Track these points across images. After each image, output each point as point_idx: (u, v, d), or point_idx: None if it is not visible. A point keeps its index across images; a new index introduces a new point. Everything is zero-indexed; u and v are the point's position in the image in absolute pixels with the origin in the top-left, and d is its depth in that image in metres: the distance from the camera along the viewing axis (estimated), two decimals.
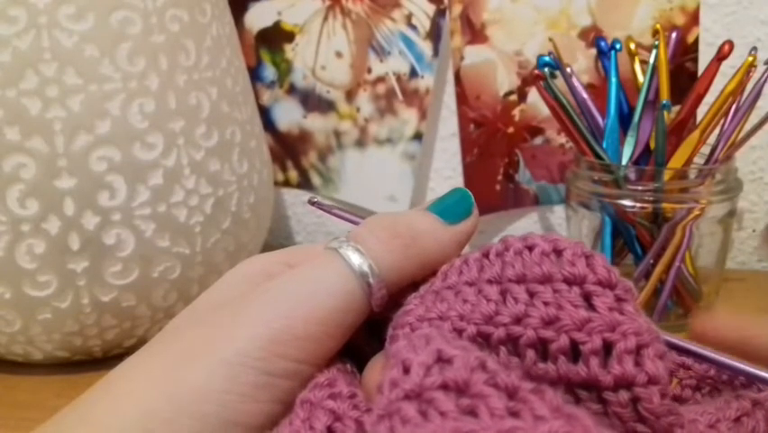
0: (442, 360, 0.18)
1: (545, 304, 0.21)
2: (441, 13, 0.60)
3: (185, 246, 0.45)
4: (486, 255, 0.24)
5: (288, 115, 0.67)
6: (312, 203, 0.32)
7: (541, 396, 0.17)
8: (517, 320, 0.21)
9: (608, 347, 0.20)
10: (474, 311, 0.22)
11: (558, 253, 0.23)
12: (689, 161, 0.48)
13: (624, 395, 0.20)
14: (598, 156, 0.50)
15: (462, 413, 0.17)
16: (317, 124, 0.66)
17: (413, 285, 0.26)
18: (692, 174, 0.48)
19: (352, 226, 0.28)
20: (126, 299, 0.44)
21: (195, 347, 0.23)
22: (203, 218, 0.46)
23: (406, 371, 0.18)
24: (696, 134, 0.47)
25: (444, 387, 0.17)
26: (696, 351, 0.23)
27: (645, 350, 0.20)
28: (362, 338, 0.26)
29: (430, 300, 0.24)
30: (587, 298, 0.21)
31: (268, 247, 0.30)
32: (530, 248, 0.23)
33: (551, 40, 0.54)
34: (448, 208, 0.27)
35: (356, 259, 0.25)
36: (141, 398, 0.22)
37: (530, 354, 0.21)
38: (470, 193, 0.28)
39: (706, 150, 0.49)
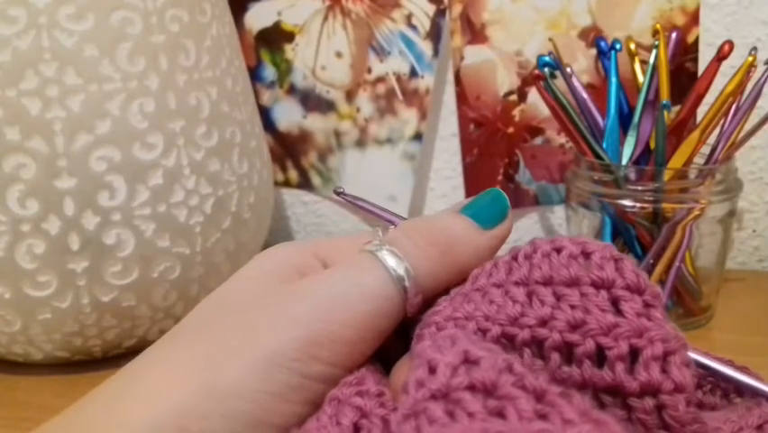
0: (468, 361, 0.18)
1: (572, 307, 0.21)
2: (441, 13, 0.60)
3: (185, 246, 0.45)
4: (515, 258, 0.24)
5: (288, 115, 0.67)
6: (338, 193, 0.31)
7: (569, 400, 0.17)
8: (543, 322, 0.21)
9: (634, 353, 0.20)
10: (499, 312, 0.22)
11: (586, 255, 0.23)
12: (689, 161, 0.48)
13: (649, 402, 0.20)
14: (598, 156, 0.50)
15: (490, 414, 0.16)
16: (317, 124, 0.66)
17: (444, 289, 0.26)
18: (692, 174, 0.48)
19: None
20: (126, 299, 0.44)
21: (230, 344, 0.23)
22: (203, 218, 0.46)
23: (432, 371, 0.18)
24: (696, 134, 0.47)
25: (472, 388, 0.17)
26: (717, 368, 0.23)
27: (672, 357, 0.20)
28: (389, 339, 0.26)
29: (458, 301, 0.24)
30: (614, 302, 0.21)
31: (268, 247, 0.29)
32: (558, 250, 0.23)
33: (551, 40, 0.54)
34: (483, 211, 0.27)
35: (393, 263, 0.24)
36: (175, 393, 0.22)
37: (555, 356, 0.21)
38: (504, 194, 0.27)
39: (706, 150, 0.49)
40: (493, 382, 0.17)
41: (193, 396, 0.22)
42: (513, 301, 0.22)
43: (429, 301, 0.25)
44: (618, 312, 0.21)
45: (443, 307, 0.24)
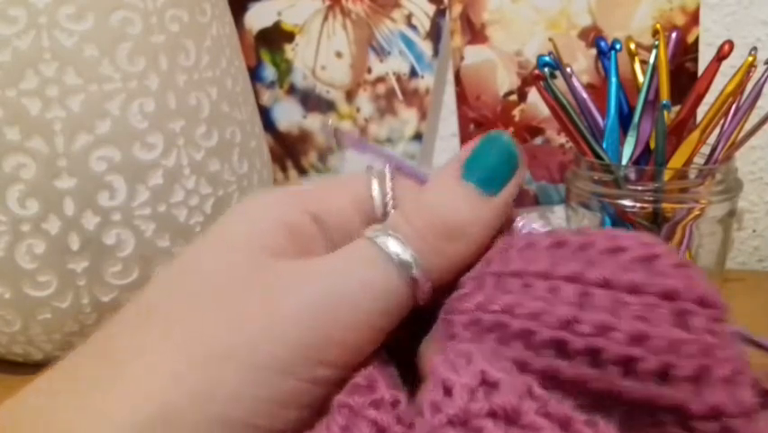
0: (486, 382, 0.17)
1: (635, 318, 0.19)
2: (441, 13, 0.60)
3: (185, 246, 0.45)
4: (560, 245, 0.21)
5: (288, 115, 0.67)
6: (332, 129, 0.28)
7: (595, 429, 0.16)
8: (601, 332, 0.19)
9: (700, 372, 0.18)
10: (549, 313, 0.19)
11: (651, 259, 0.20)
12: (689, 161, 0.48)
13: (714, 425, 0.18)
14: (598, 156, 0.49)
15: None
16: (317, 124, 0.66)
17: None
18: (692, 174, 0.48)
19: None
20: (126, 298, 0.44)
21: (220, 344, 0.21)
22: (203, 218, 0.46)
23: (448, 392, 0.17)
24: (696, 134, 0.47)
25: (493, 415, 0.16)
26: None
27: (740, 378, 0.18)
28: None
29: (490, 286, 0.21)
30: (681, 315, 0.19)
31: None
32: (620, 250, 0.20)
33: (551, 40, 0.54)
34: (489, 173, 0.23)
35: (399, 250, 0.22)
36: (161, 396, 0.20)
37: (612, 370, 0.19)
38: (511, 140, 0.24)
39: (706, 150, 0.49)
40: (515, 408, 0.16)
41: (182, 399, 0.20)
42: (565, 302, 0.20)
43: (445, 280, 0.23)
44: (685, 326, 0.19)
45: (471, 290, 0.21)
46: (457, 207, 0.23)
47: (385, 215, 0.25)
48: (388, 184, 0.25)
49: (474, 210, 0.23)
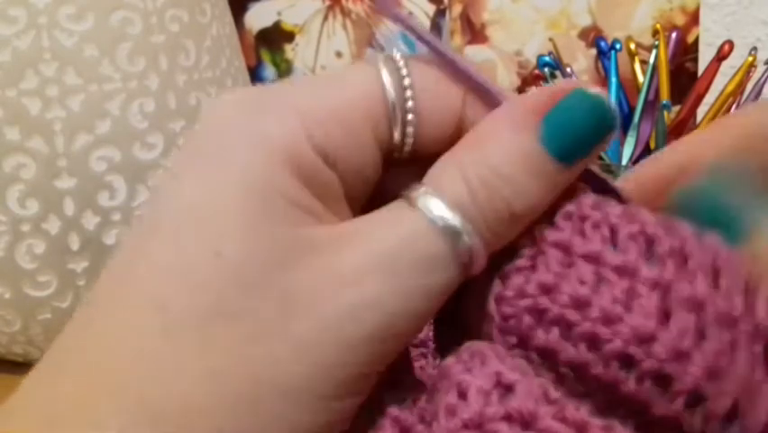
0: (501, 385, 0.16)
1: (717, 352, 0.16)
2: (441, 13, 0.60)
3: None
4: (650, 241, 0.17)
5: None
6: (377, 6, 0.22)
7: None
8: (677, 357, 0.16)
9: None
10: (628, 323, 0.16)
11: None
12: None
13: None
14: (598, 156, 0.49)
15: None
16: None
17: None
18: None
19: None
20: None
21: (234, 382, 0.15)
22: None
23: (463, 396, 0.16)
24: None
25: (508, 418, 0.16)
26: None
27: None
28: None
29: (556, 265, 0.18)
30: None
31: None
32: (724, 269, 0.17)
33: (551, 40, 0.54)
34: (574, 143, 0.18)
35: (447, 215, 0.17)
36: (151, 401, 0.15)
37: (679, 402, 0.16)
38: (605, 100, 0.18)
39: None
40: (531, 412, 0.16)
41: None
42: (646, 314, 0.16)
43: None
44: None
45: (531, 264, 0.18)
46: (528, 187, 0.17)
47: (404, 115, 0.18)
48: (405, 75, 0.18)
49: (547, 188, 0.17)
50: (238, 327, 0.15)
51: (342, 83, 0.18)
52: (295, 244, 0.16)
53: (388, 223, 0.17)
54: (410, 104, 0.18)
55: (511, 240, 0.18)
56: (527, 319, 0.17)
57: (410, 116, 0.18)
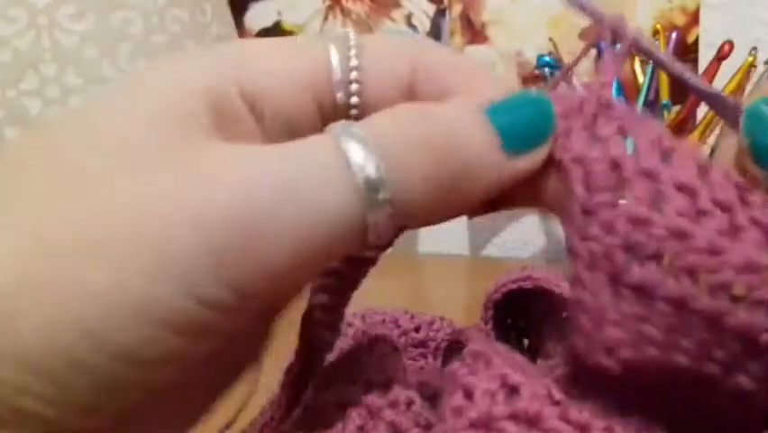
0: (507, 386, 0.17)
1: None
2: (441, 13, 0.60)
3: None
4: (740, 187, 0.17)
5: None
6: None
7: None
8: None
9: None
10: (737, 252, 0.16)
11: None
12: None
13: None
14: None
15: None
16: None
17: None
18: None
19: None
20: None
21: (85, 226, 0.15)
22: None
23: (469, 396, 0.17)
24: (696, 134, 0.47)
25: (515, 418, 0.16)
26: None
27: None
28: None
29: (646, 195, 0.16)
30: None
31: None
32: None
33: (551, 40, 0.54)
34: (519, 125, 0.17)
35: (364, 161, 0.15)
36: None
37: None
38: (549, 103, 0.18)
39: (706, 150, 0.49)
40: (537, 412, 0.16)
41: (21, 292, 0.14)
42: (761, 248, 0.16)
43: None
44: None
45: (615, 196, 0.17)
46: (472, 146, 0.16)
47: (348, 96, 0.18)
48: (353, 50, 0.18)
49: (489, 158, 0.16)
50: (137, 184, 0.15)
51: (290, 47, 0.18)
52: (185, 138, 0.16)
53: (294, 142, 0.16)
54: (354, 63, 0.18)
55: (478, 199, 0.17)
56: (620, 256, 0.16)
57: (353, 75, 0.18)
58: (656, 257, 0.16)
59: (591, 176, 0.17)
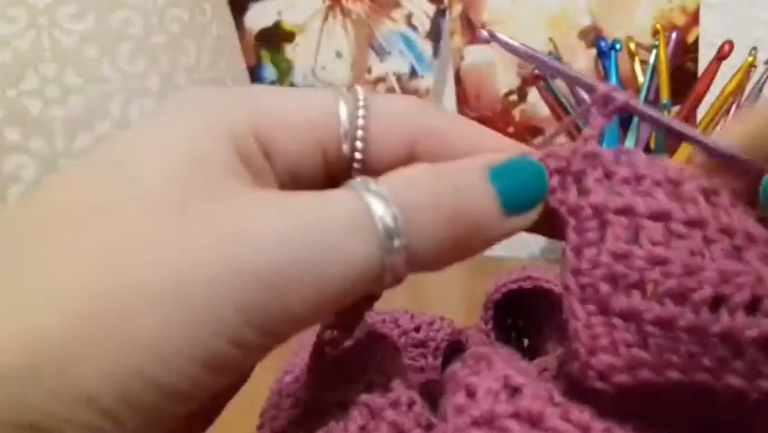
0: (509, 386, 0.17)
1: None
2: (441, 13, 0.60)
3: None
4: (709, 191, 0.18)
5: None
6: (488, 34, 0.23)
7: None
8: (761, 281, 0.17)
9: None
10: (711, 268, 0.17)
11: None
12: (689, 162, 0.48)
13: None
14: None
15: None
16: None
17: None
18: None
19: None
20: None
21: (135, 273, 0.16)
22: None
23: (471, 395, 0.17)
24: None
25: (517, 416, 0.16)
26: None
27: None
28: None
29: (622, 231, 0.18)
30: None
31: None
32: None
33: (551, 40, 0.54)
34: (516, 190, 0.19)
35: (383, 212, 0.17)
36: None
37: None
38: (543, 169, 0.20)
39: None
40: (539, 412, 0.16)
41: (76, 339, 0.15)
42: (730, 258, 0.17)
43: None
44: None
45: (598, 234, 0.19)
46: (480, 208, 0.18)
47: (353, 150, 0.19)
48: (361, 107, 0.19)
49: (491, 218, 0.19)
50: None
51: (301, 98, 0.19)
52: (222, 185, 0.17)
53: (318, 194, 0.17)
54: (361, 121, 0.19)
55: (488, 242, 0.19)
56: (605, 287, 0.18)
57: (359, 132, 0.19)
58: (639, 285, 0.17)
59: (580, 222, 0.19)
